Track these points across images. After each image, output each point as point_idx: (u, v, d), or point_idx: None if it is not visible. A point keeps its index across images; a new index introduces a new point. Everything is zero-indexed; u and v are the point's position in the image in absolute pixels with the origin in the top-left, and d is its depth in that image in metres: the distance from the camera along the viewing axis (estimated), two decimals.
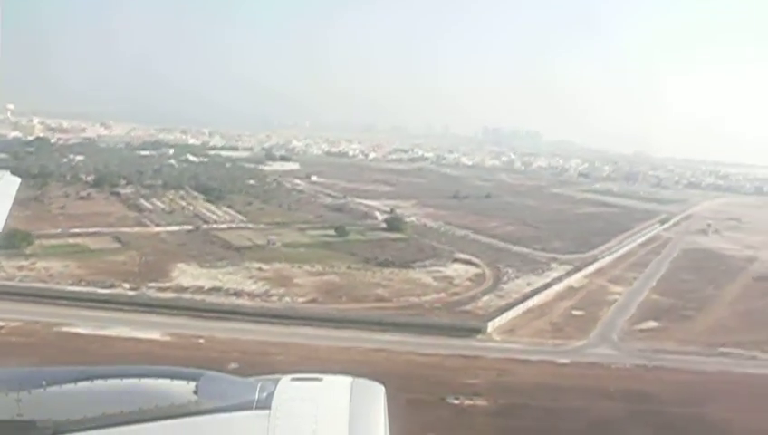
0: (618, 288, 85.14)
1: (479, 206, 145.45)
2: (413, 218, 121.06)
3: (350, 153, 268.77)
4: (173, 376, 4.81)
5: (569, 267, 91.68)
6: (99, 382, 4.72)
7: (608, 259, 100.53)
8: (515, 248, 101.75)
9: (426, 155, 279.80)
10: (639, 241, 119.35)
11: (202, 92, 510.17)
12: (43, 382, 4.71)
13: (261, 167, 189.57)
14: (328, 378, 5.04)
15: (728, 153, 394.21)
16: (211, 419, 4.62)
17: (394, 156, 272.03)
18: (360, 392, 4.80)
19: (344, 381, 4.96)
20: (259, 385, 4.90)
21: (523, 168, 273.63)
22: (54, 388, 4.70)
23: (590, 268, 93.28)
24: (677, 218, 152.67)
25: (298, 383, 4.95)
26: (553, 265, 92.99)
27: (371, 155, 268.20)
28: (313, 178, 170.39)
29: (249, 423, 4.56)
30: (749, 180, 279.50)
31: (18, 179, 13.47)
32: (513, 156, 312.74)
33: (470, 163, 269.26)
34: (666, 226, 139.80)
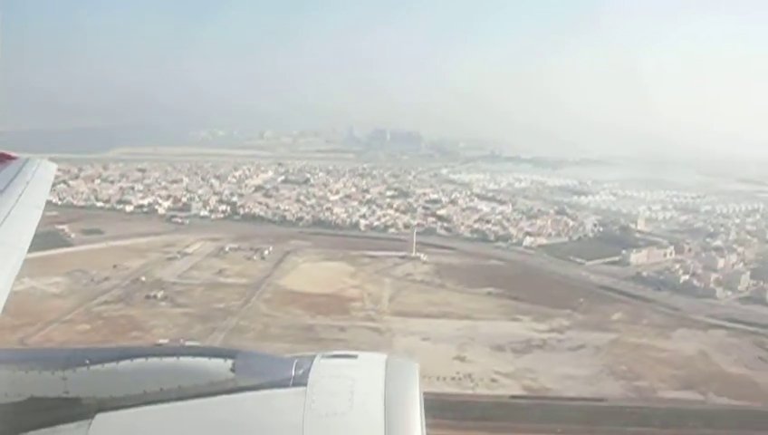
0: None
1: None
2: None
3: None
4: (210, 354, 4.84)
5: None
6: (139, 361, 4.75)
7: None
8: None
9: None
10: None
11: None
12: (87, 361, 4.73)
13: None
14: (363, 355, 5.11)
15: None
16: (249, 396, 4.66)
17: None
18: (394, 370, 4.86)
19: (379, 358, 5.06)
20: (295, 362, 4.93)
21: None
22: (97, 366, 4.72)
23: None
24: None
25: (333, 361, 5.03)
26: None
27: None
28: None
29: (286, 400, 4.60)
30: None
31: (55, 165, 13.03)
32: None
33: None
34: None
